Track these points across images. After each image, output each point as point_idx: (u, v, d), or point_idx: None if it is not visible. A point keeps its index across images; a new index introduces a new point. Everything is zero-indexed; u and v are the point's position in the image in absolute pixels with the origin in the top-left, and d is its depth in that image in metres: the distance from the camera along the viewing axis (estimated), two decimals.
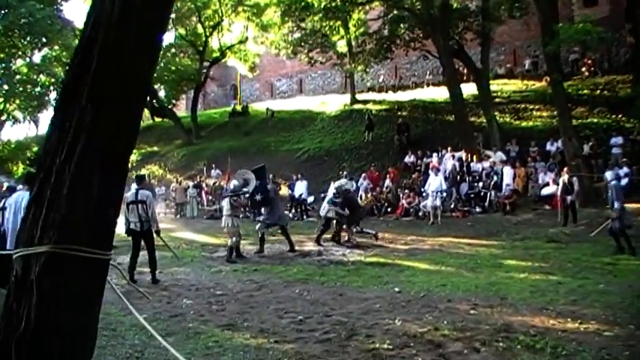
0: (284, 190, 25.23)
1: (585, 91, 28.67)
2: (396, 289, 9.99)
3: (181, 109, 52.97)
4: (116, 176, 3.11)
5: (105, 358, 6.37)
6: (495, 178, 21.84)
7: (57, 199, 2.94)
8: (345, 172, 26.57)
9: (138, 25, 2.99)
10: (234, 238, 14.43)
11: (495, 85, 32.02)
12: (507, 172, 21.12)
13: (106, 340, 6.97)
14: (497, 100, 30.36)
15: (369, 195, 24.70)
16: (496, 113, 27.98)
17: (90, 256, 2.98)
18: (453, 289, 9.85)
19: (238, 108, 47.40)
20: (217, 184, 28.72)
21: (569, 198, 17.76)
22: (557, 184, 18.80)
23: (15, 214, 8.34)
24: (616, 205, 13.00)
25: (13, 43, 36.10)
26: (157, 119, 47.44)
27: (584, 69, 32.11)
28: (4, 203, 8.96)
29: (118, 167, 3.12)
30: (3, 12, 34.04)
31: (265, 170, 16.72)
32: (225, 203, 15.05)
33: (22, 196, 8.33)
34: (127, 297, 3.69)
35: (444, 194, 21.60)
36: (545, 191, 20.48)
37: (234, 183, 15.52)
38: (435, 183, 21.05)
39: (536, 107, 29.21)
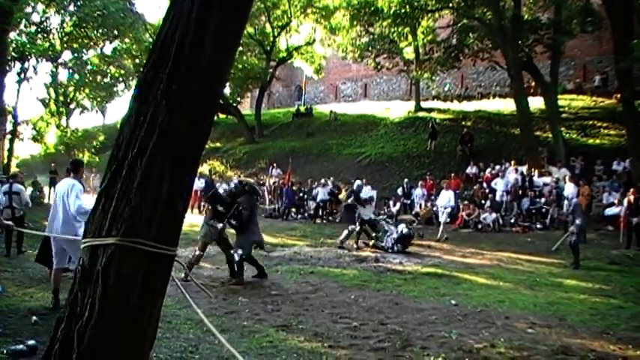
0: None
1: None
2: (453, 302, 9.87)
3: (246, 107, 53.45)
4: (187, 172, 3.11)
5: (160, 350, 6.41)
6: (562, 194, 21.32)
7: (127, 192, 2.96)
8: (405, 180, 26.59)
9: (216, 24, 2.98)
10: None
11: (563, 100, 31.42)
12: (569, 187, 20.55)
13: (162, 333, 6.99)
14: (564, 115, 29.82)
15: (428, 204, 24.46)
16: (562, 129, 27.48)
17: (156, 251, 2.99)
18: (511, 306, 9.68)
19: (302, 109, 47.63)
20: (278, 183, 29.03)
21: (634, 220, 17.27)
22: (622, 205, 18.30)
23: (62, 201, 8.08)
24: None
25: (86, 34, 37.10)
26: (222, 116, 47.84)
27: None
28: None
29: (190, 164, 3.12)
30: (79, 3, 34.99)
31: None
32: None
33: (71, 184, 8.10)
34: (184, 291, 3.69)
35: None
36: (609, 211, 19.92)
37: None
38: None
39: (605, 125, 28.59)
